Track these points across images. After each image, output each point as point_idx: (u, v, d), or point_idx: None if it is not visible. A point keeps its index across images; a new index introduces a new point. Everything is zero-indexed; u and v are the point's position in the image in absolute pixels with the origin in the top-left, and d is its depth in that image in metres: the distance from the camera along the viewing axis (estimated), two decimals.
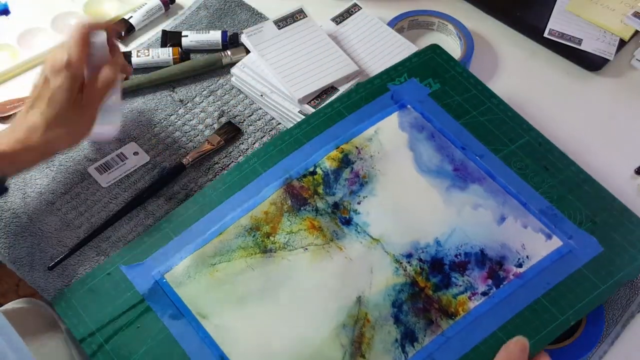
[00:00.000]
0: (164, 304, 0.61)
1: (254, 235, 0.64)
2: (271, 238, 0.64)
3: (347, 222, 0.64)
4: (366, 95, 0.72)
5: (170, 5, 0.88)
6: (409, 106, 0.71)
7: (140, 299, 0.62)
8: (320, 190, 0.66)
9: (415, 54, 0.75)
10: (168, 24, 0.87)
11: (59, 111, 0.63)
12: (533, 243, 0.63)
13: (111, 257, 0.65)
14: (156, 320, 0.60)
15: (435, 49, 0.75)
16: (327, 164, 0.68)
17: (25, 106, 0.64)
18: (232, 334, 0.59)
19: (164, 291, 0.62)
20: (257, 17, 0.88)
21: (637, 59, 0.85)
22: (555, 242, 0.63)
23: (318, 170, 0.67)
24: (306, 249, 0.63)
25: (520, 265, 0.61)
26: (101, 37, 0.65)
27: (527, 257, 0.62)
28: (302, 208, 0.65)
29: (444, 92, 0.72)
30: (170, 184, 0.73)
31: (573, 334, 0.62)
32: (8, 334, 0.51)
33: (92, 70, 0.65)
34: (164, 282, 0.62)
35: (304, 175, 0.67)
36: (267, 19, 0.85)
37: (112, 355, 0.59)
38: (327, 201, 0.66)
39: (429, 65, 0.74)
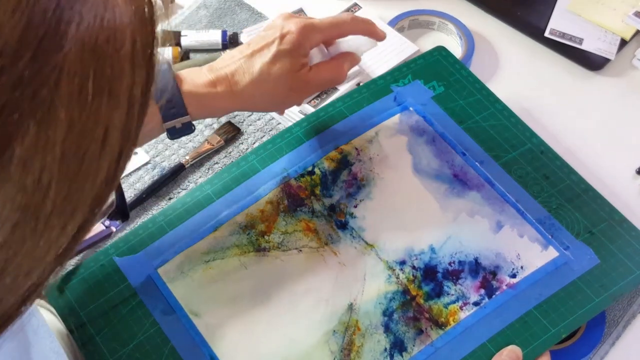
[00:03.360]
0: (155, 299, 0.61)
1: (248, 234, 0.64)
2: (266, 237, 0.64)
3: (343, 225, 0.64)
4: (369, 96, 0.71)
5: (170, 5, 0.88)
6: (411, 108, 0.70)
7: (132, 292, 0.62)
8: (318, 191, 0.66)
9: (421, 56, 0.74)
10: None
11: (279, 73, 0.61)
12: (528, 253, 0.62)
13: (105, 248, 0.65)
14: (147, 314, 0.61)
15: (441, 50, 0.74)
16: (326, 164, 0.67)
17: (247, 48, 0.63)
18: (223, 333, 0.59)
19: (157, 285, 0.62)
20: (256, 16, 0.87)
21: (638, 59, 0.85)
22: (551, 253, 0.62)
23: (316, 170, 0.67)
24: (300, 250, 0.63)
25: (514, 276, 0.61)
26: (359, 42, 0.67)
27: (522, 267, 0.62)
28: (298, 209, 0.65)
29: (447, 96, 0.71)
30: (170, 184, 0.73)
31: (574, 334, 0.62)
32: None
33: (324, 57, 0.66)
34: (156, 277, 0.62)
35: (302, 175, 0.67)
36: (267, 18, 0.85)
37: (102, 347, 0.60)
38: (323, 203, 0.65)
39: (434, 68, 0.73)
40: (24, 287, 0.28)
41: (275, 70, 0.61)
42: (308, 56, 0.63)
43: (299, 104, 0.69)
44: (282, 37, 0.61)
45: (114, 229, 0.60)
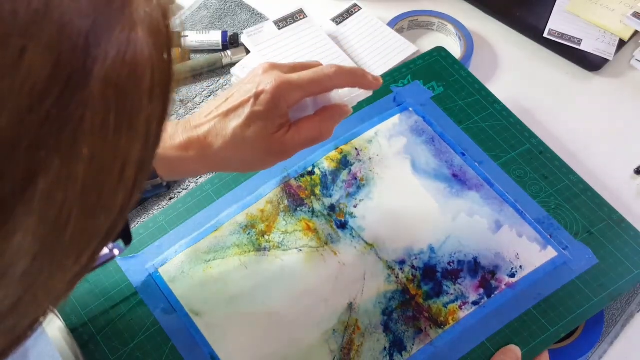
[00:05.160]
0: (156, 298, 0.62)
1: (248, 233, 0.64)
2: (266, 237, 0.64)
3: (343, 225, 0.64)
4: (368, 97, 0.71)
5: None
6: (410, 109, 0.71)
7: (133, 291, 0.62)
8: (318, 191, 0.66)
9: (420, 56, 0.75)
10: None
11: (253, 137, 0.56)
12: (527, 253, 0.63)
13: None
14: (148, 314, 0.61)
15: (440, 51, 0.74)
16: (326, 164, 0.68)
17: (224, 103, 0.57)
18: (223, 332, 0.60)
19: (157, 285, 0.62)
20: (257, 17, 0.87)
21: (636, 59, 0.85)
22: (550, 253, 0.63)
23: (316, 170, 0.67)
24: (300, 250, 0.63)
25: (513, 275, 0.61)
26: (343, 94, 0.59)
27: (521, 267, 0.62)
28: (298, 208, 0.65)
29: (447, 96, 0.71)
30: (171, 184, 0.73)
31: (573, 334, 0.63)
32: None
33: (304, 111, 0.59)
34: (157, 276, 0.62)
35: (302, 175, 0.67)
36: (267, 19, 0.85)
37: (103, 347, 0.60)
38: (323, 203, 0.66)
39: (433, 68, 0.73)
40: (38, 312, 0.29)
41: (249, 134, 0.55)
42: (286, 116, 0.57)
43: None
44: (257, 96, 0.55)
45: (117, 252, 0.61)
